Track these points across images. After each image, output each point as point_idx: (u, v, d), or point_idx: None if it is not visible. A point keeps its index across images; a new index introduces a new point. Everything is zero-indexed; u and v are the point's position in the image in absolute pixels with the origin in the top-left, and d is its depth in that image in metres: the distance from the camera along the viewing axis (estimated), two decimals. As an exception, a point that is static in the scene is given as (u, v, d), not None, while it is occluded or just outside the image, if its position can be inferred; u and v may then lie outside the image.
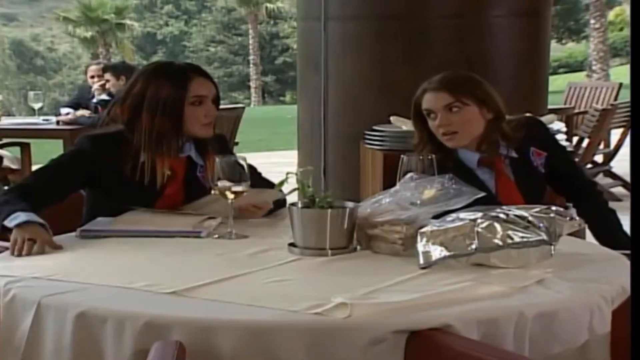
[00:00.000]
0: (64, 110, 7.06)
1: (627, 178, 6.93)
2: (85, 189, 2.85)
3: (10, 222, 2.49)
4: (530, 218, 2.16)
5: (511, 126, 2.93)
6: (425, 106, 2.90)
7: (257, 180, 2.71)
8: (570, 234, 2.33)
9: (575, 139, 7.53)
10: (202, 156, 2.85)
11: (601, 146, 8.03)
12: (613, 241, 2.64)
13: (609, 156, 7.95)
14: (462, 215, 2.20)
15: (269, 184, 2.80)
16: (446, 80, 2.91)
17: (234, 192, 2.48)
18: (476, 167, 2.91)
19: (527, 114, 3.37)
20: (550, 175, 2.98)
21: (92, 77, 7.35)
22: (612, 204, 3.09)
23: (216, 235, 2.52)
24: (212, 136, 2.85)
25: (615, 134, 8.08)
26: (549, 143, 3.03)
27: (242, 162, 2.48)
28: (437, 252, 2.13)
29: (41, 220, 2.49)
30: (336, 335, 1.74)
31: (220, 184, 2.48)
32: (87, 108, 6.99)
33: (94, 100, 7.06)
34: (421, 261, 2.14)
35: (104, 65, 7.62)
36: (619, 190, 7.44)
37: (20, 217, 2.50)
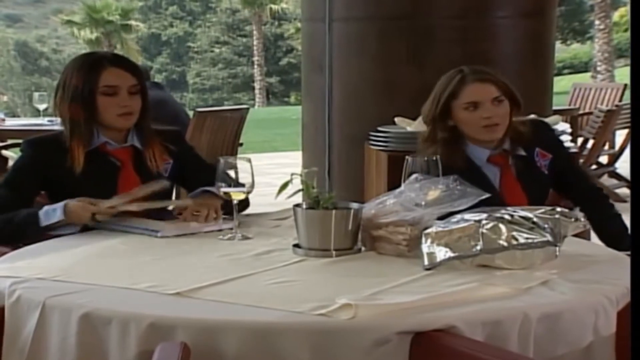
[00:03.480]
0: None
1: (632, 179, 6.90)
2: (47, 199, 2.84)
3: (49, 219, 2.62)
4: (535, 219, 2.16)
5: (517, 122, 2.96)
6: (471, 98, 2.89)
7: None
8: (575, 235, 2.33)
9: (580, 140, 7.51)
10: (143, 146, 2.88)
11: (606, 147, 8.02)
12: (618, 245, 2.64)
13: (614, 157, 7.94)
14: (466, 216, 2.20)
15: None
16: (486, 72, 2.94)
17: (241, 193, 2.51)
18: (484, 164, 2.93)
19: (533, 116, 3.38)
20: (555, 178, 2.99)
21: None
22: (616, 205, 3.09)
23: (224, 237, 2.53)
24: (144, 127, 2.88)
25: (620, 135, 8.07)
26: (555, 145, 3.04)
27: (246, 163, 2.50)
28: (442, 253, 2.13)
29: (63, 202, 2.63)
30: (340, 336, 1.74)
31: (223, 185, 2.50)
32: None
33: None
34: (426, 262, 2.14)
35: None
36: (623, 191, 7.42)
37: (50, 212, 2.62)
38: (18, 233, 2.65)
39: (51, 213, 2.63)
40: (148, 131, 2.89)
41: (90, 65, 2.83)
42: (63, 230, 2.64)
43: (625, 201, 6.65)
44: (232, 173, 2.52)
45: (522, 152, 2.96)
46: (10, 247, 2.54)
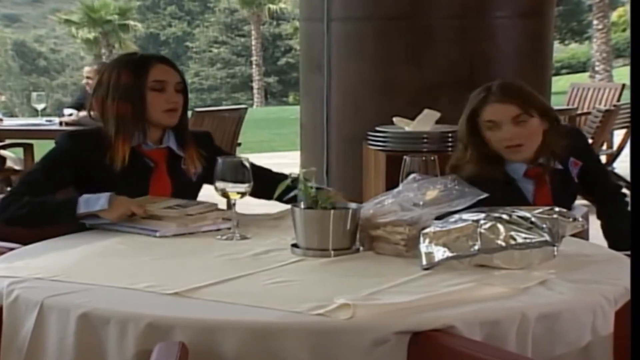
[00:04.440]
0: (67, 111, 7.06)
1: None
2: (74, 191, 2.82)
3: (88, 207, 2.60)
4: (533, 219, 2.16)
5: (554, 142, 2.93)
6: (490, 117, 2.87)
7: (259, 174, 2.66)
8: (573, 235, 2.33)
9: (578, 140, 7.51)
10: (181, 148, 2.88)
11: (604, 147, 8.03)
12: (623, 242, 2.64)
13: (612, 157, 7.95)
14: (465, 216, 2.20)
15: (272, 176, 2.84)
16: (510, 90, 2.90)
17: (240, 193, 2.50)
18: (521, 178, 2.92)
19: (566, 123, 3.40)
20: (581, 181, 3.01)
21: (88, 78, 7.38)
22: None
23: (223, 237, 2.53)
24: (183, 127, 2.87)
25: (618, 135, 8.08)
26: (586, 152, 3.07)
27: (245, 163, 2.50)
28: (440, 253, 2.13)
29: (109, 193, 2.62)
30: (339, 336, 1.74)
31: (222, 184, 2.49)
32: (90, 109, 6.99)
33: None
34: (424, 262, 2.14)
35: (99, 66, 7.65)
36: (622, 191, 7.42)
37: (93, 199, 2.60)
38: (53, 216, 2.66)
39: (93, 201, 2.61)
40: (186, 132, 2.90)
41: (138, 63, 2.85)
42: (96, 221, 2.63)
43: (623, 201, 6.65)
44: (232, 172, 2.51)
45: (559, 166, 2.95)
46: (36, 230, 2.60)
